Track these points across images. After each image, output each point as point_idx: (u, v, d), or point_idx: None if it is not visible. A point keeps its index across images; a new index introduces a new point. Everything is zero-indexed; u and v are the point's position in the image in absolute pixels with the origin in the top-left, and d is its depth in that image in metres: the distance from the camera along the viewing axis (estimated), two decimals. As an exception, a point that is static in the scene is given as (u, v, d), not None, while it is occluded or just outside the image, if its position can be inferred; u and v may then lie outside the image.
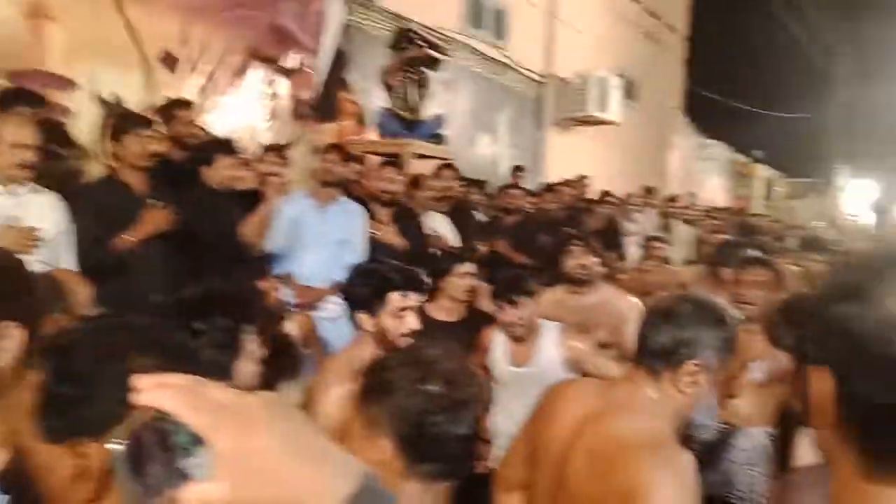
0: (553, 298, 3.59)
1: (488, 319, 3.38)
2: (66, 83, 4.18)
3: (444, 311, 3.29)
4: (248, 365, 1.59)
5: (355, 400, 1.27)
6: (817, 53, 23.56)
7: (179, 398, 0.52)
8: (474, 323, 3.36)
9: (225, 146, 3.77)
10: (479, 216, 5.71)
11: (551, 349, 3.01)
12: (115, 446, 0.53)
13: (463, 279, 3.31)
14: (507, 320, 2.97)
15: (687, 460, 1.32)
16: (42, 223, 2.65)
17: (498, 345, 3.10)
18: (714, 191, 15.40)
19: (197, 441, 0.52)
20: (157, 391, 0.52)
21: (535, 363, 3.00)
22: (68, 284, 2.29)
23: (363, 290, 2.21)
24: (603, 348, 3.35)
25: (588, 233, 3.88)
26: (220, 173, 3.59)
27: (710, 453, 2.55)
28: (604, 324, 3.42)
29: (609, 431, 1.41)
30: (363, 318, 2.20)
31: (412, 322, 2.19)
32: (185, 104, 4.30)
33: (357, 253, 3.91)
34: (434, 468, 1.20)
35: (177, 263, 3.18)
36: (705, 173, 15.16)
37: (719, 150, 16.00)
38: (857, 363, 0.62)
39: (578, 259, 3.51)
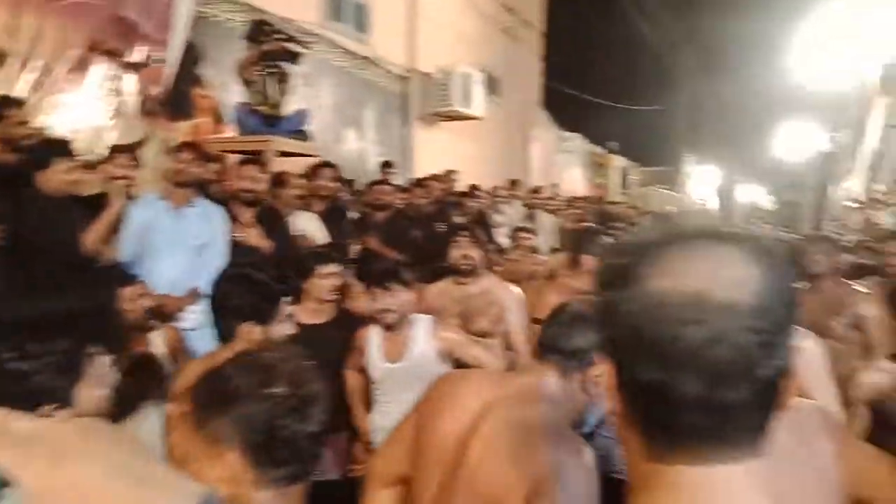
0: (438, 289, 3.66)
1: (359, 319, 3.36)
2: None
3: (311, 313, 3.19)
4: (94, 389, 1.43)
5: (191, 418, 1.18)
6: (663, 48, 25.18)
7: None
8: (345, 324, 3.31)
9: (61, 147, 3.45)
10: (350, 214, 5.61)
11: (424, 342, 3.02)
12: None
13: (326, 279, 3.24)
14: (381, 307, 2.96)
15: (589, 450, 1.36)
16: None
17: (372, 343, 3.09)
18: (574, 181, 16.07)
19: (1, 482, 0.44)
20: None
21: (408, 357, 3.00)
22: None
23: (236, 299, 2.06)
24: (484, 337, 3.40)
25: (460, 226, 3.92)
26: (56, 177, 3.28)
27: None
28: (486, 313, 3.50)
29: (516, 419, 1.42)
30: (248, 329, 2.05)
31: (290, 327, 2.09)
32: (15, 103, 3.91)
33: (219, 258, 3.71)
34: (288, 471, 1.17)
35: (9, 278, 2.86)
36: (566, 165, 15.79)
37: (578, 143, 16.72)
38: (628, 346, 0.62)
39: (463, 250, 3.55)
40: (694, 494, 0.63)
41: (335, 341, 3.11)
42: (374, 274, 3.07)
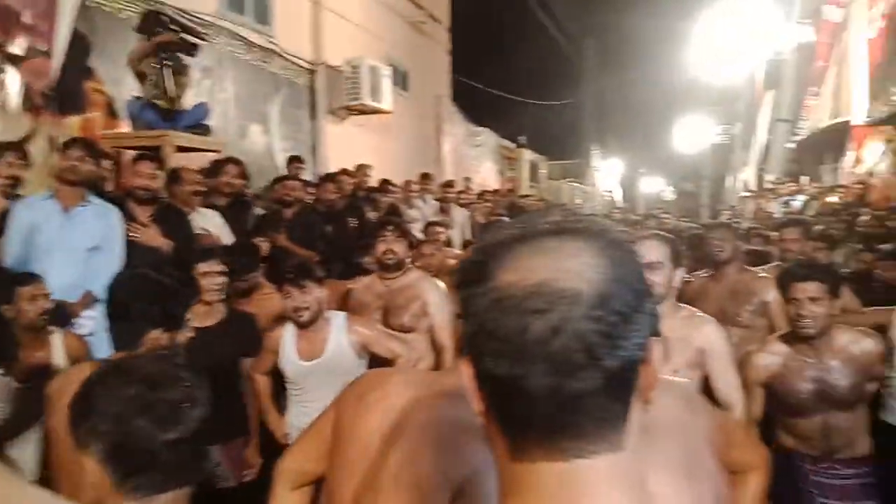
0: (363, 284, 3.64)
1: (251, 319, 3.33)
2: None
3: (199, 315, 3.06)
4: None
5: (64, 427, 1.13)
6: (569, 44, 25.80)
7: None
8: (237, 325, 3.23)
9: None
10: (255, 210, 5.44)
11: (340, 338, 2.99)
12: None
13: (206, 278, 3.12)
14: (295, 305, 2.92)
15: None
16: None
17: (287, 342, 3.03)
18: (486, 175, 16.24)
19: None
20: None
21: (325, 355, 2.96)
22: None
23: (140, 303, 1.93)
24: (407, 332, 3.37)
25: (385, 221, 3.88)
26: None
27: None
28: (408, 308, 3.47)
29: (441, 418, 1.37)
30: (156, 336, 1.92)
31: (188, 332, 2.00)
32: None
33: (114, 261, 3.52)
34: (150, 479, 1.10)
35: None
36: (477, 159, 15.93)
37: (488, 137, 16.90)
38: (480, 341, 0.63)
39: (387, 244, 3.51)
40: (554, 495, 0.62)
41: (226, 344, 3.00)
42: (286, 272, 3.00)
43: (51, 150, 4.73)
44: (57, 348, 2.87)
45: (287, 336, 3.03)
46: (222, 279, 3.20)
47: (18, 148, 3.89)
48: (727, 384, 2.53)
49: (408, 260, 3.67)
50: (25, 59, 4.99)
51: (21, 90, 4.99)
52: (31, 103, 4.98)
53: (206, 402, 1.16)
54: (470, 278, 0.65)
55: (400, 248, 3.54)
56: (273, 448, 2.97)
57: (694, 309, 2.67)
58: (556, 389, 0.60)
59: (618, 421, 0.63)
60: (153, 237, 3.77)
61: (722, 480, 1.21)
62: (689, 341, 2.47)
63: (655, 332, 0.66)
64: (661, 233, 2.88)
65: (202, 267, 3.14)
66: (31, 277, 2.90)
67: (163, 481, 1.12)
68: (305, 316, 2.94)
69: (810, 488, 2.74)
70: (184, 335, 2.01)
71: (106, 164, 4.37)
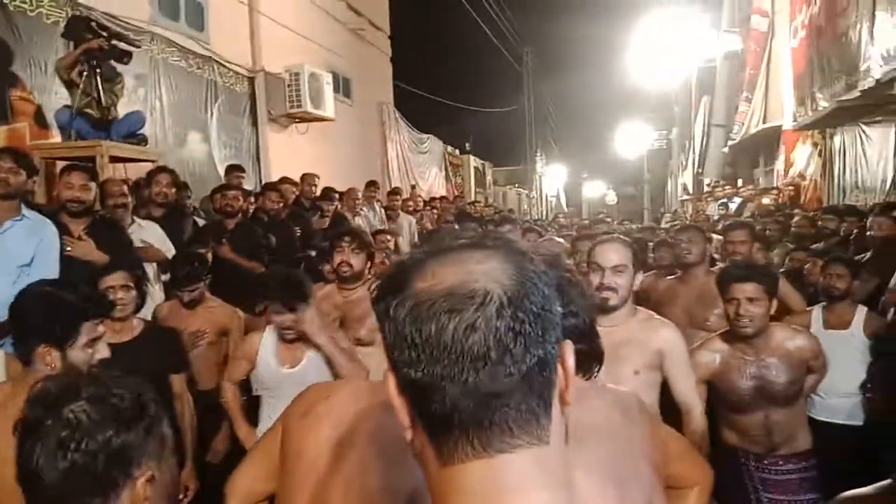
0: (323, 293, 3.57)
1: (172, 333, 3.28)
2: None
3: (114, 332, 2.94)
4: None
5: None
6: (510, 51, 26.08)
7: None
8: (156, 339, 3.15)
9: None
10: (193, 219, 5.30)
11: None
12: None
13: (112, 293, 2.97)
14: (286, 326, 2.88)
15: None
16: None
17: (267, 350, 3.01)
18: (432, 182, 16.25)
19: None
20: None
21: (303, 362, 2.96)
22: None
23: (31, 318, 1.87)
24: (365, 346, 3.29)
25: (343, 232, 3.80)
26: None
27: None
28: (364, 322, 3.39)
29: (391, 426, 1.34)
30: (44, 351, 1.85)
31: (103, 351, 1.91)
32: None
33: (49, 276, 3.35)
34: None
35: None
36: (423, 165, 15.93)
37: (433, 143, 16.92)
38: (399, 348, 0.66)
39: (343, 256, 3.47)
40: (483, 492, 0.64)
41: (143, 360, 2.87)
42: (274, 289, 2.91)
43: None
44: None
45: (266, 342, 3.01)
46: (131, 293, 3.08)
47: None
48: (685, 387, 2.56)
49: (368, 272, 3.60)
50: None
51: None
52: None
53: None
54: (386, 291, 0.68)
55: (356, 260, 3.49)
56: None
57: (651, 312, 2.70)
58: (473, 387, 0.62)
59: (539, 416, 0.65)
60: (89, 251, 3.62)
61: (657, 492, 1.21)
62: (647, 344, 2.50)
63: (572, 336, 0.70)
64: (622, 237, 2.91)
65: (107, 281, 3.01)
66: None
67: None
68: (292, 335, 2.92)
69: (755, 484, 2.81)
70: (94, 353, 1.93)
71: (34, 176, 4.18)
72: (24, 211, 3.46)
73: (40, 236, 3.45)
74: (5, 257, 3.31)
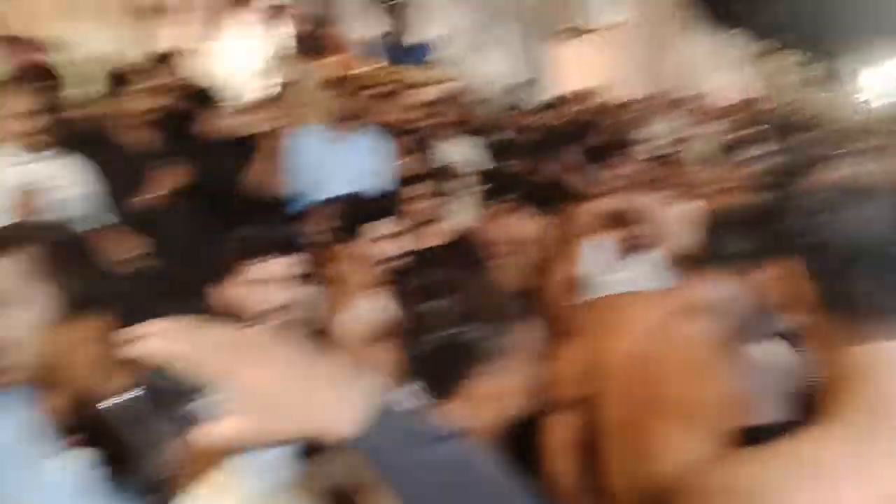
0: None
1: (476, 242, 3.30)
2: (41, 47, 4.06)
3: (422, 237, 3.02)
4: None
5: None
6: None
7: (185, 340, 0.52)
8: (463, 247, 3.28)
9: (212, 94, 3.70)
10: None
11: None
12: (125, 396, 0.53)
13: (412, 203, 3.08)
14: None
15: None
16: (67, 185, 2.80)
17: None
18: (733, 85, 14.86)
19: (204, 383, 0.52)
20: (161, 337, 0.52)
21: None
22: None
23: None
24: None
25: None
26: (220, 121, 3.53)
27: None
28: None
29: (688, 335, 1.44)
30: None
31: None
32: (174, 54, 4.15)
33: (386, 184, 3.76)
34: None
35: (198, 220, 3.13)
36: (720, 68, 14.60)
37: (735, 40, 15.32)
38: (808, 241, 0.76)
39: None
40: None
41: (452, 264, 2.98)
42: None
43: (320, 89, 5.19)
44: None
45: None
46: (428, 202, 3.15)
47: (290, 88, 4.39)
48: None
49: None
50: (286, 10, 5.57)
51: (288, 39, 5.57)
52: (298, 49, 5.53)
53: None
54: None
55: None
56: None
57: None
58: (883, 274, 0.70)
59: None
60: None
61: None
62: None
63: None
64: None
65: (406, 192, 3.14)
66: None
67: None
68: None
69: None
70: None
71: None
72: (365, 128, 3.96)
73: (379, 149, 3.94)
74: (351, 165, 3.75)
